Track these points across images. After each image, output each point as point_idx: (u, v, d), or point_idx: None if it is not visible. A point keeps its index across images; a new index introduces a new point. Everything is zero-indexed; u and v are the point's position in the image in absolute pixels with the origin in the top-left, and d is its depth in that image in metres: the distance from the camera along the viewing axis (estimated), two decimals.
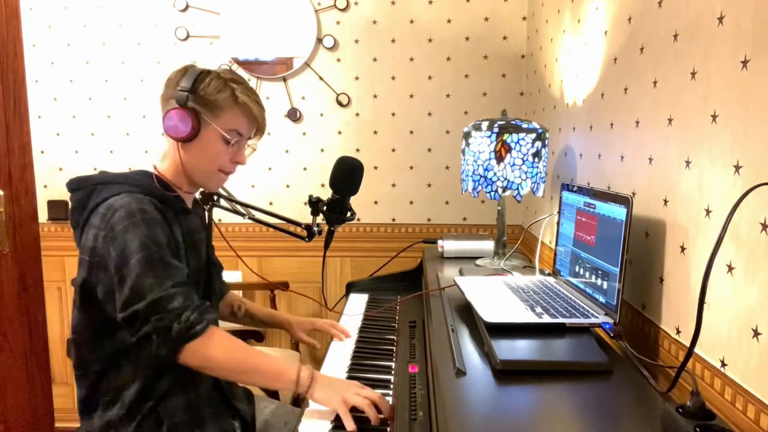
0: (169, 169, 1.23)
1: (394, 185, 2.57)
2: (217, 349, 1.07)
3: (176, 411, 1.16)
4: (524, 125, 1.66)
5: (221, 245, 1.49)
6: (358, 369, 1.27)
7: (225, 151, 1.22)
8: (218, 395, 1.27)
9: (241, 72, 2.50)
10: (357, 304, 1.78)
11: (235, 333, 1.64)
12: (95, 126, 2.58)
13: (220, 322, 1.47)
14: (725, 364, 0.89)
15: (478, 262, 1.86)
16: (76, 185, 1.18)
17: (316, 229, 1.50)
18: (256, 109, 1.23)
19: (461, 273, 1.66)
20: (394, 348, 1.38)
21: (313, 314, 2.62)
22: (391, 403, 1.10)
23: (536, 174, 1.68)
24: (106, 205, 1.11)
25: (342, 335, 1.47)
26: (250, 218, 1.58)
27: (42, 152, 2.58)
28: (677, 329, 1.05)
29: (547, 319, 1.11)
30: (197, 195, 1.36)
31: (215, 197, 1.55)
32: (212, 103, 1.18)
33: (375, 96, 2.52)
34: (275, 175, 2.58)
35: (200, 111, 1.17)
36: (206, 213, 1.41)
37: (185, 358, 1.05)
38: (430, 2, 2.44)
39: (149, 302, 1.03)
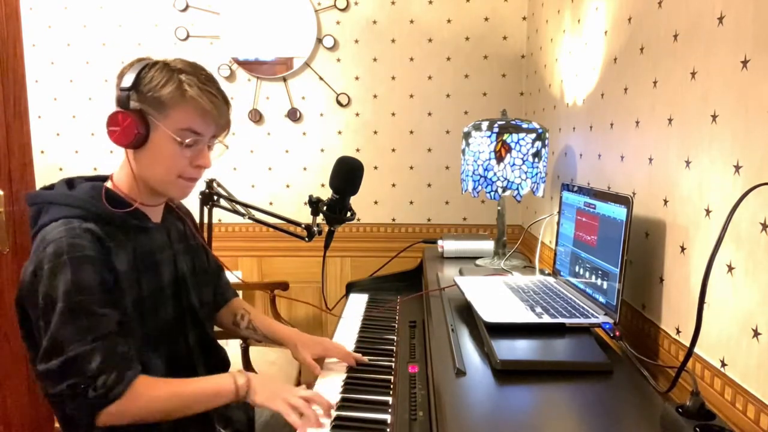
0: (125, 179, 1.11)
1: (394, 185, 2.57)
2: (142, 403, 0.99)
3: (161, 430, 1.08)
4: (524, 125, 1.66)
5: (220, 245, 1.48)
6: (358, 369, 1.27)
7: (180, 154, 1.06)
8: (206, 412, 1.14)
9: (240, 72, 2.51)
10: (357, 304, 1.78)
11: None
12: (95, 126, 2.58)
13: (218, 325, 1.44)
14: (725, 364, 0.89)
15: (478, 262, 1.86)
16: (30, 201, 1.09)
17: (316, 229, 1.50)
18: (209, 102, 1.06)
19: (461, 273, 1.66)
20: (394, 348, 1.38)
21: (313, 314, 2.63)
22: (391, 402, 1.10)
23: (536, 174, 1.68)
24: (42, 233, 1.02)
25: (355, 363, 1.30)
26: (250, 218, 1.58)
27: (42, 152, 2.58)
28: (677, 329, 1.05)
29: (547, 319, 1.11)
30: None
31: (215, 197, 1.55)
32: (157, 100, 1.04)
33: (375, 96, 2.52)
34: (275, 175, 2.58)
35: (146, 111, 1.04)
36: (186, 221, 1.30)
37: (107, 420, 0.97)
38: (430, 2, 2.44)
39: (65, 360, 0.95)
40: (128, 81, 1.04)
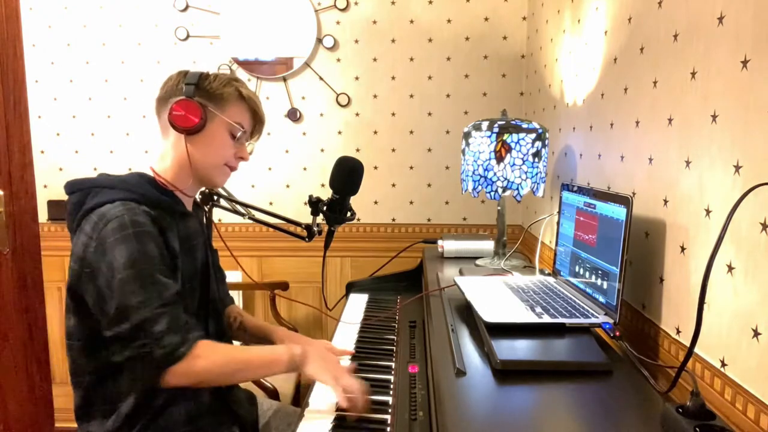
0: (171, 168, 1.22)
1: (394, 185, 2.57)
2: (203, 364, 1.05)
3: (176, 424, 1.14)
4: (524, 125, 1.66)
5: (220, 245, 1.48)
6: (358, 369, 1.27)
7: (231, 144, 1.23)
8: (219, 404, 1.24)
9: (241, 72, 2.51)
10: (357, 304, 1.78)
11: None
12: (95, 126, 2.58)
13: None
14: (725, 364, 0.89)
15: (478, 262, 1.86)
16: (72, 188, 1.16)
17: (316, 229, 1.50)
18: (259, 105, 1.26)
19: (461, 273, 1.66)
20: (394, 348, 1.38)
21: (313, 315, 2.63)
22: (391, 402, 1.10)
23: (536, 174, 1.68)
24: (98, 213, 1.09)
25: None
26: (250, 218, 1.58)
27: (42, 152, 2.58)
28: (677, 329, 1.05)
29: (547, 319, 1.11)
30: (197, 196, 1.33)
31: (215, 197, 1.55)
32: (218, 96, 1.19)
33: (375, 96, 2.52)
34: (275, 175, 2.58)
35: (206, 104, 1.18)
36: (206, 215, 1.39)
37: (172, 380, 1.04)
38: (430, 2, 2.44)
39: (133, 325, 1.02)
40: (192, 78, 1.18)
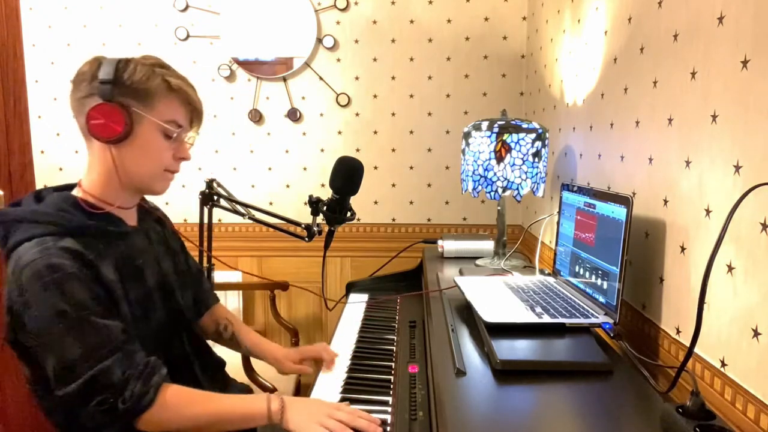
0: (99, 182, 1.06)
1: (394, 185, 2.57)
2: (172, 413, 0.96)
3: None
4: (524, 125, 1.66)
5: (220, 245, 1.47)
6: (358, 369, 1.27)
7: (167, 146, 1.06)
8: None
9: (240, 72, 2.51)
10: (357, 304, 1.78)
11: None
12: None
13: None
14: (725, 364, 0.89)
15: (478, 262, 1.86)
16: None
17: (316, 229, 1.50)
18: (193, 94, 1.08)
19: (461, 273, 1.66)
20: (394, 348, 1.38)
21: (313, 314, 2.63)
22: (391, 402, 1.10)
23: (536, 174, 1.68)
24: (15, 255, 0.95)
25: (331, 363, 1.31)
26: (250, 218, 1.58)
27: (42, 152, 2.58)
28: (677, 329, 1.05)
29: (547, 319, 1.11)
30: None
31: (215, 197, 1.55)
32: (143, 92, 1.02)
33: (375, 96, 2.52)
34: (275, 175, 2.58)
35: (129, 104, 1.01)
36: (162, 219, 1.26)
37: (141, 427, 0.95)
38: (430, 2, 2.44)
39: (84, 380, 0.90)
40: (107, 74, 1.00)
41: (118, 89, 1.01)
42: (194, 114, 1.11)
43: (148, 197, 1.22)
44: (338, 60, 2.50)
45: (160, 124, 1.04)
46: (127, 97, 1.01)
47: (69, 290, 0.92)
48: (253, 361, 1.91)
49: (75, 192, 1.08)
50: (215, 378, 1.28)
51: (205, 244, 1.59)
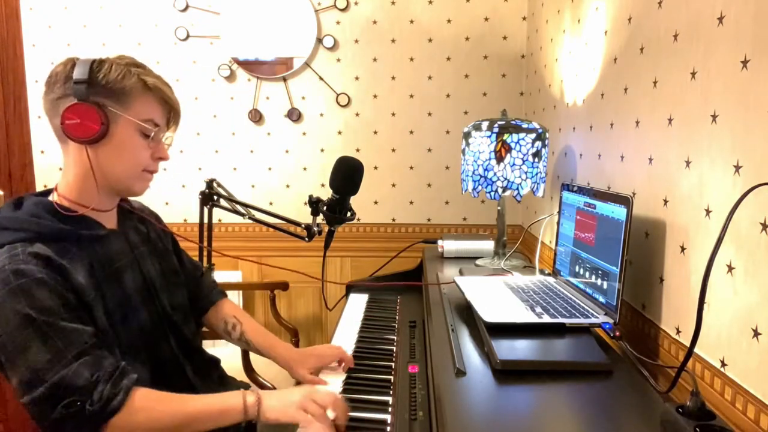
0: (75, 184, 1.04)
1: (394, 185, 2.57)
2: (142, 417, 0.92)
3: None
4: (524, 125, 1.67)
5: (220, 245, 1.47)
6: (358, 369, 1.27)
7: (144, 145, 1.05)
8: None
9: (240, 72, 2.51)
10: (357, 304, 1.78)
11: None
12: None
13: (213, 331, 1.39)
14: (725, 364, 0.89)
15: (478, 262, 1.86)
16: None
17: (316, 229, 1.50)
18: (170, 93, 1.08)
19: (461, 273, 1.66)
20: (394, 348, 1.38)
21: (313, 314, 2.63)
22: (391, 402, 1.10)
23: (536, 174, 1.68)
24: None
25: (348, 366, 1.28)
26: (250, 218, 1.58)
27: (42, 152, 2.58)
28: (677, 329, 1.05)
29: (547, 319, 1.11)
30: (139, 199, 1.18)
31: (215, 197, 1.55)
32: (118, 91, 1.01)
33: (375, 96, 2.52)
34: (275, 175, 2.58)
35: (105, 103, 1.00)
36: (150, 219, 1.24)
37: None
38: (430, 2, 2.44)
39: (51, 384, 0.87)
40: (82, 74, 0.99)
41: (93, 89, 1.00)
42: (171, 113, 1.10)
43: (141, 198, 1.20)
44: (338, 60, 2.50)
45: (137, 123, 1.03)
46: (103, 97, 1.00)
47: (36, 296, 0.90)
48: (253, 360, 1.91)
49: (51, 197, 1.06)
50: (209, 377, 1.26)
51: (205, 242, 1.59)
